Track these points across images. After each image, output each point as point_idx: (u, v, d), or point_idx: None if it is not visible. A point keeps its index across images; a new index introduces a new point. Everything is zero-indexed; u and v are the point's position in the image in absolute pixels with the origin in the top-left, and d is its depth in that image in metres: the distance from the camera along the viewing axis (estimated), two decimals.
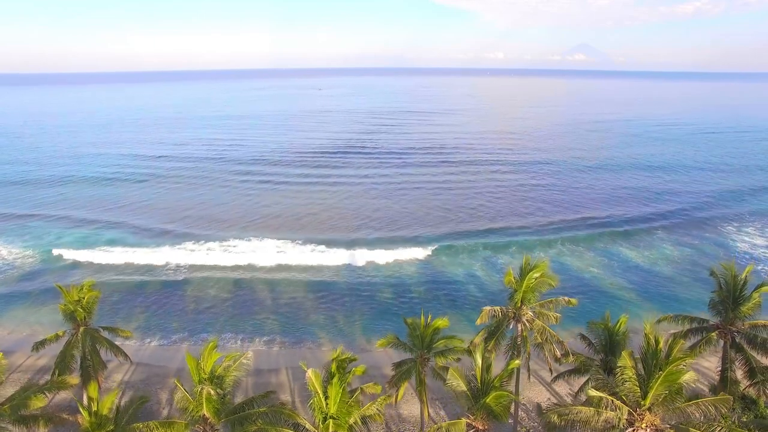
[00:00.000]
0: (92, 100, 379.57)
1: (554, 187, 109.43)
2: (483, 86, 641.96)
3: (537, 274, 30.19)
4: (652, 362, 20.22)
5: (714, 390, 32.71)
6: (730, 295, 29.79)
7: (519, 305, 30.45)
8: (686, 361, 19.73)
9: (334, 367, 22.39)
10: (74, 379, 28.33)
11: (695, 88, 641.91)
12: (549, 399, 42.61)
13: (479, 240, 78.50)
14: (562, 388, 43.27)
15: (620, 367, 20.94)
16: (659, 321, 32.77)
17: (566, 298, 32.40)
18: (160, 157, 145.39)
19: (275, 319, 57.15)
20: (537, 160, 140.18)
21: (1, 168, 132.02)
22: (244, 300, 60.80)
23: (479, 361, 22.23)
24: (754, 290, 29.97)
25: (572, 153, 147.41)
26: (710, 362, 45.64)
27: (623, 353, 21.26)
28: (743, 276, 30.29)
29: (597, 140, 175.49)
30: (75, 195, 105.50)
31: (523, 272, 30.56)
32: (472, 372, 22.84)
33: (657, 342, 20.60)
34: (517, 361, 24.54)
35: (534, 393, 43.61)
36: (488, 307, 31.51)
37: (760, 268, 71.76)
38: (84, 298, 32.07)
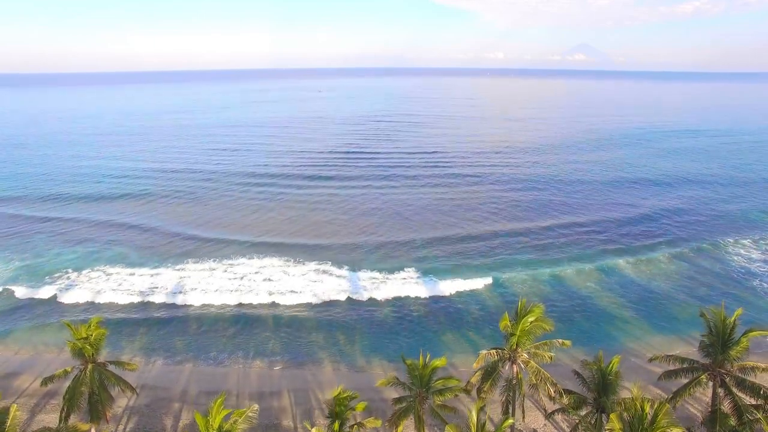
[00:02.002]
0: (92, 105, 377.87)
1: (554, 201, 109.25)
2: (483, 88, 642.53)
3: (532, 318, 31.09)
4: (638, 427, 21.13)
5: (705, 422, 33.54)
6: (719, 340, 30.67)
7: (514, 348, 31.39)
8: (670, 429, 20.61)
9: (336, 426, 23.13)
10: (85, 425, 29.15)
11: (696, 89, 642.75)
12: (546, 425, 43.51)
13: (481, 256, 78.75)
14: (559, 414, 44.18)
15: (609, 429, 21.83)
16: (651, 360, 33.70)
17: (560, 341, 33.29)
18: (159, 166, 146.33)
19: (276, 339, 57.84)
20: (537, 168, 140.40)
21: (4, 179, 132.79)
22: (245, 320, 61.20)
23: (475, 418, 23.08)
24: (743, 335, 30.83)
25: (573, 164, 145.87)
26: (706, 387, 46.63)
27: (612, 416, 22.13)
28: (732, 320, 31.11)
29: (597, 147, 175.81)
30: (76, 208, 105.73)
31: (519, 316, 31.46)
32: None
33: (643, 408, 21.49)
34: (510, 420, 25.37)
35: (531, 418, 44.37)
36: (485, 351, 32.42)
37: (756, 283, 72.83)
38: (92, 335, 32.96)
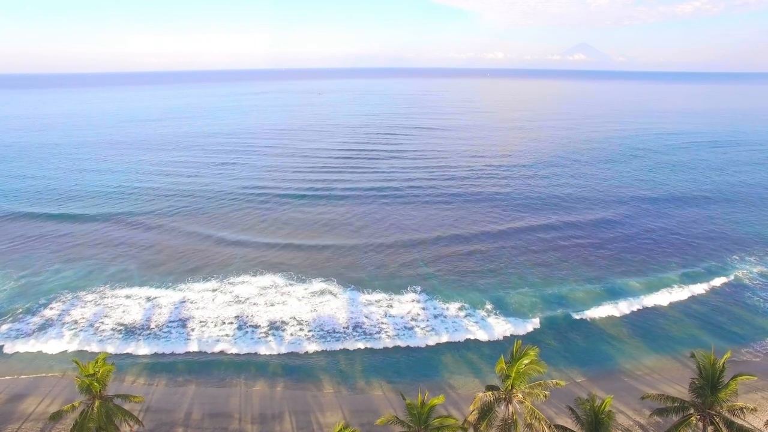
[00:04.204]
0: (92, 110, 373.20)
1: (559, 218, 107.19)
2: (484, 90, 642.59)
3: (527, 361, 32.05)
4: None
5: None
6: (708, 383, 31.59)
7: (510, 389, 32.34)
8: None
9: None
10: None
11: (699, 91, 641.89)
12: None
13: (486, 274, 78.67)
14: None
15: None
16: (643, 398, 34.64)
17: (555, 381, 34.23)
18: (161, 175, 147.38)
19: (277, 359, 58.51)
20: (541, 182, 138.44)
21: (7, 188, 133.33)
22: (245, 339, 61.81)
23: None
24: (732, 378, 31.77)
25: (578, 177, 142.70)
26: (696, 428, 47.17)
27: None
28: (721, 362, 32.02)
29: (601, 158, 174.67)
30: (76, 219, 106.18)
31: (514, 359, 32.40)
32: None
33: None
34: None
35: None
36: (481, 393, 33.36)
37: (746, 294, 73.55)
38: (99, 371, 33.81)
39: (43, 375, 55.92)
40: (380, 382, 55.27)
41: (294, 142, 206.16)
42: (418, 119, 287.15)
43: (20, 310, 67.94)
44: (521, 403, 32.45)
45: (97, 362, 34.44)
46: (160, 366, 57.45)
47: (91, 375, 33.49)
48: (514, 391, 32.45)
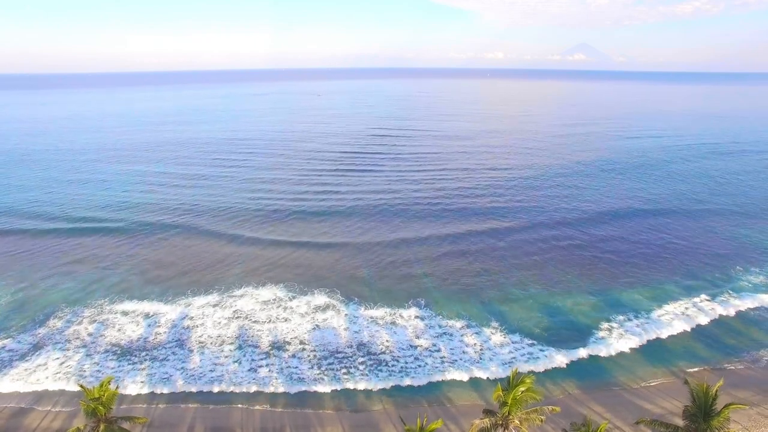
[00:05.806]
0: (92, 112, 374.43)
1: (562, 232, 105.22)
2: (485, 91, 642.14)
3: (523, 388, 32.79)
4: None
5: None
6: (701, 411, 32.25)
7: (507, 415, 33.05)
8: None
9: None
10: None
11: (700, 92, 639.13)
12: None
13: (488, 286, 78.73)
14: None
15: None
16: (638, 423, 35.30)
17: (550, 407, 34.94)
18: (163, 181, 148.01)
19: (277, 376, 58.84)
20: (542, 195, 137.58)
21: (9, 195, 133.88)
22: (244, 353, 62.09)
23: None
24: (724, 407, 32.42)
25: (580, 189, 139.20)
26: None
27: None
28: (714, 390, 32.69)
29: (603, 167, 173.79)
30: (76, 226, 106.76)
31: (511, 386, 33.13)
32: None
33: None
34: None
35: None
36: (478, 420, 34.08)
37: (747, 306, 73.80)
38: (104, 395, 34.44)
39: (40, 398, 55.13)
40: (381, 396, 55.63)
41: (295, 143, 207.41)
42: (418, 121, 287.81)
43: (15, 327, 67.12)
44: (517, 428, 33.15)
45: (102, 386, 35.10)
46: (160, 384, 57.59)
47: (97, 399, 34.12)
48: (511, 417, 33.18)
